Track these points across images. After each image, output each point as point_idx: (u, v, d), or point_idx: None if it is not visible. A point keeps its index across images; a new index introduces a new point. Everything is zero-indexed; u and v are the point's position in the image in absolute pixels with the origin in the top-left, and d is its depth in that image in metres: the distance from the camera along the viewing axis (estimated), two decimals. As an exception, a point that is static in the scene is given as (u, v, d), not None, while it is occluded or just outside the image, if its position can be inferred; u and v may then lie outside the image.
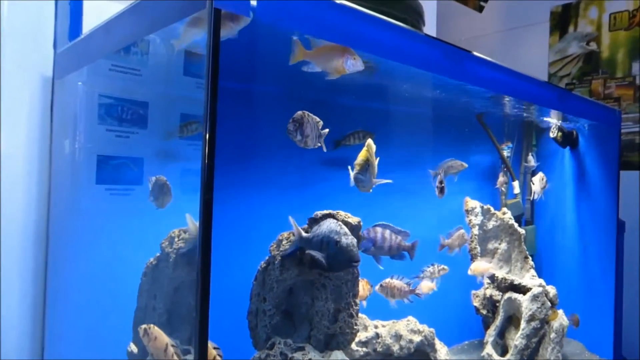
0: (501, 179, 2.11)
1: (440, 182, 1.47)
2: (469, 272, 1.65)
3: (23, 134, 1.37)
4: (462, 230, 1.66)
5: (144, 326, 1.06)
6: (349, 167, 1.13)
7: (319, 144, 1.12)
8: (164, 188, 1.18)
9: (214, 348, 1.00)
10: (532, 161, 2.16)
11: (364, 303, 1.42)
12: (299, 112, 1.09)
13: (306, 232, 1.18)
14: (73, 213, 1.36)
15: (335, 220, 1.17)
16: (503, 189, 2.14)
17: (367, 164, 1.11)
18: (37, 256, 1.38)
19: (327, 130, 1.12)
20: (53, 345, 1.34)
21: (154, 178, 1.19)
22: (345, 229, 1.15)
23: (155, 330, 1.04)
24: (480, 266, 1.66)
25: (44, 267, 1.38)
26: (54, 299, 1.36)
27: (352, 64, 1.03)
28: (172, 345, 1.00)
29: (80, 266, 1.32)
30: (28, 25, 1.38)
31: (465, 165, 1.72)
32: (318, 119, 1.11)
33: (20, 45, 1.36)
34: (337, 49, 1.03)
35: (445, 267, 1.58)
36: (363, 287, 1.39)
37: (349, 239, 1.13)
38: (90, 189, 1.32)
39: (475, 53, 1.38)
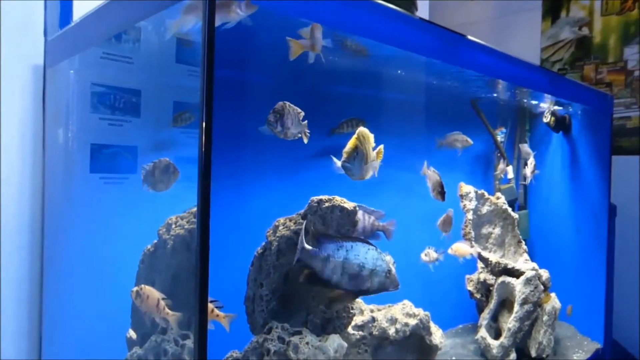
0: (501, 165, 2.12)
1: (441, 187, 1.47)
2: (449, 251, 1.66)
3: (15, 123, 1.36)
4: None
5: (135, 288, 1.10)
6: (332, 157, 1.10)
7: (300, 135, 1.10)
8: (169, 168, 1.17)
9: (211, 301, 1.01)
10: (531, 154, 2.15)
11: None
12: (280, 103, 1.07)
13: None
14: (68, 202, 1.36)
15: (371, 246, 1.17)
16: (502, 175, 2.15)
17: (355, 152, 1.07)
18: (33, 247, 1.38)
19: (306, 121, 1.11)
20: (51, 331, 1.35)
21: (150, 164, 1.18)
22: (384, 256, 1.18)
23: (147, 289, 1.08)
24: (460, 247, 1.67)
25: (40, 257, 1.38)
26: (51, 287, 1.36)
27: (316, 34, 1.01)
28: (163, 299, 1.04)
29: (76, 255, 1.31)
30: (18, 13, 1.36)
31: (471, 142, 1.71)
32: (299, 110, 1.09)
33: (10, 32, 1.34)
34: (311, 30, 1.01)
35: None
36: None
37: (394, 267, 1.18)
38: (85, 178, 1.31)
39: (469, 37, 1.38)
